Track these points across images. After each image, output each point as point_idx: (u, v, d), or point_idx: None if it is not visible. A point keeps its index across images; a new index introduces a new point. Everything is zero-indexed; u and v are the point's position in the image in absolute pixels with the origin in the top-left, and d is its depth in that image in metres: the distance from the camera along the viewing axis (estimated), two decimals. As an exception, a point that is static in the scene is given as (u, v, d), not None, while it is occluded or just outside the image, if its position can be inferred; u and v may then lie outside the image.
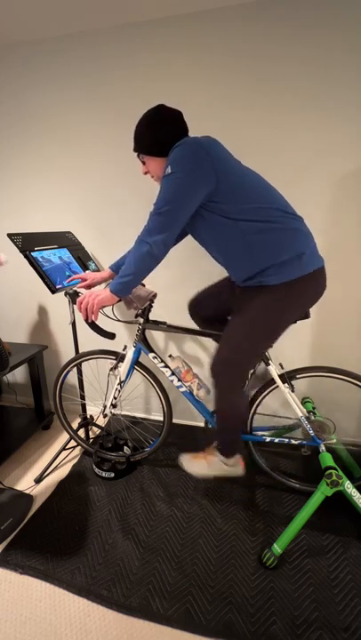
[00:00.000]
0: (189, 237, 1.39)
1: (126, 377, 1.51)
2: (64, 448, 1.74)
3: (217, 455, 1.35)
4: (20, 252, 1.32)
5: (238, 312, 1.20)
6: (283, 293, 1.11)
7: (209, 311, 1.45)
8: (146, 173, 1.23)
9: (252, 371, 1.40)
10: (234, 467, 1.35)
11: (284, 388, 1.34)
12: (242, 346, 1.18)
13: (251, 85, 1.45)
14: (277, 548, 1.18)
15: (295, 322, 1.28)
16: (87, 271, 1.59)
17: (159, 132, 1.11)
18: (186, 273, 1.73)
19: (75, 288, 1.44)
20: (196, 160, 1.02)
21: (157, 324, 1.45)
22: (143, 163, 1.20)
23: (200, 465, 1.38)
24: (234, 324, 1.20)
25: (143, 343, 1.48)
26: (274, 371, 1.33)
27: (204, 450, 1.42)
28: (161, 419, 1.60)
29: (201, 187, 1.04)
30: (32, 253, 1.34)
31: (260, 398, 1.41)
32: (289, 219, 1.09)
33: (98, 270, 1.69)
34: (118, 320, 1.46)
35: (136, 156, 1.21)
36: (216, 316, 1.44)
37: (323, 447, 1.31)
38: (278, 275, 1.09)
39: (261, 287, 1.13)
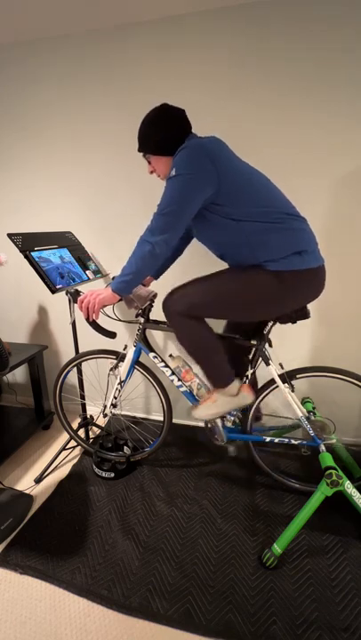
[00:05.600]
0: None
1: (126, 377, 1.51)
2: (64, 448, 1.74)
3: (216, 391, 1.33)
4: (20, 251, 1.32)
5: (225, 270, 1.21)
6: (277, 279, 1.12)
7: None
8: (152, 172, 1.24)
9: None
10: (239, 395, 1.32)
11: (284, 387, 1.34)
12: (208, 301, 1.18)
13: (251, 85, 1.45)
14: (277, 547, 1.18)
15: (294, 321, 1.28)
16: (87, 271, 1.59)
17: (164, 131, 1.12)
18: (186, 273, 1.72)
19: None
20: (199, 163, 1.03)
21: (158, 324, 1.45)
22: (149, 162, 1.21)
23: (208, 407, 1.34)
24: (215, 276, 1.21)
25: (143, 343, 1.48)
26: (274, 371, 1.33)
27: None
28: (161, 418, 1.60)
29: (204, 189, 1.05)
30: (32, 253, 1.34)
31: (260, 398, 1.41)
32: (293, 220, 1.10)
33: (98, 270, 1.69)
34: (119, 319, 1.46)
35: (142, 155, 1.22)
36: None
37: (323, 447, 1.31)
38: (277, 265, 1.10)
39: (264, 268, 1.13)
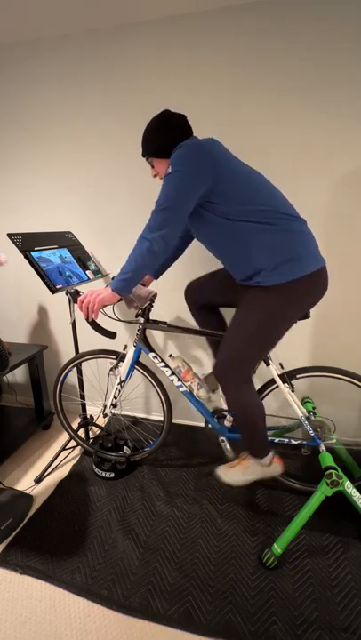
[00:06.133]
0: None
1: (126, 377, 1.51)
2: (64, 448, 1.74)
3: (250, 458, 1.33)
4: (20, 251, 1.32)
5: (239, 313, 1.21)
6: (282, 294, 1.11)
7: (205, 299, 1.46)
8: (155, 176, 1.26)
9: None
10: (270, 466, 1.32)
11: (284, 387, 1.34)
12: (242, 348, 1.18)
13: (251, 85, 1.45)
14: (277, 547, 1.18)
15: (295, 322, 1.28)
16: (87, 271, 1.60)
17: (167, 137, 1.14)
18: (187, 273, 1.73)
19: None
20: (195, 159, 1.04)
21: (158, 324, 1.45)
22: (152, 166, 1.23)
23: (237, 472, 1.34)
24: (235, 325, 1.20)
25: (143, 343, 1.48)
26: (274, 371, 1.33)
27: (237, 457, 1.40)
28: (161, 418, 1.60)
29: (200, 183, 1.05)
30: (32, 253, 1.34)
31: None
32: (290, 221, 1.10)
33: (98, 270, 1.69)
34: (119, 319, 1.46)
35: (145, 160, 1.23)
36: (210, 305, 1.46)
37: (323, 447, 1.31)
38: (276, 276, 1.09)
39: (260, 288, 1.13)
